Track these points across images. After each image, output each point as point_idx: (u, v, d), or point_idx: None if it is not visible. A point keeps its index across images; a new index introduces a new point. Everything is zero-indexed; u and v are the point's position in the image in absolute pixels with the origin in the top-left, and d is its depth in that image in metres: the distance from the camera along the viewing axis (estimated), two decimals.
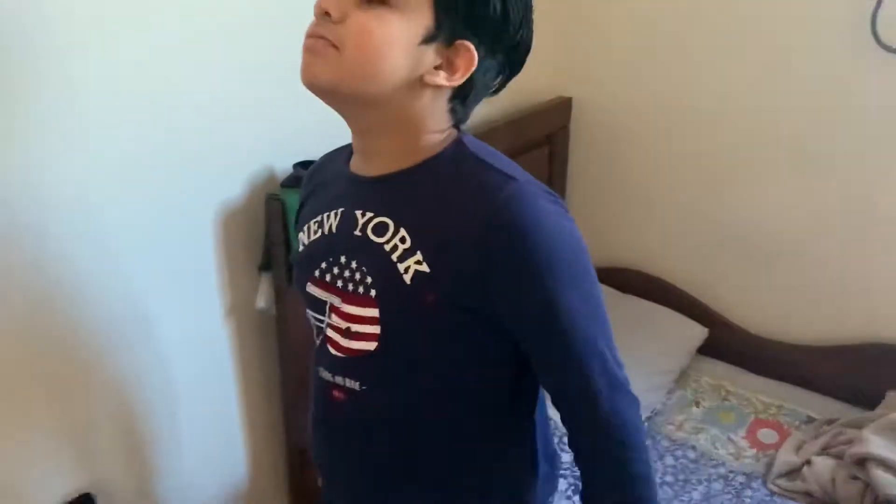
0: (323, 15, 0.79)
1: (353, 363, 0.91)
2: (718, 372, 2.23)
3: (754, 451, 1.93)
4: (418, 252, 0.83)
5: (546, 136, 2.28)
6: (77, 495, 1.35)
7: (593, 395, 0.85)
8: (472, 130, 1.88)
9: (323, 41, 0.79)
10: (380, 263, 0.85)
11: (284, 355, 1.65)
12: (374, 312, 0.86)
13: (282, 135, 1.57)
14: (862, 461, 1.74)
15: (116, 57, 1.24)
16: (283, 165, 1.58)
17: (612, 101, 2.33)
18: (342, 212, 0.91)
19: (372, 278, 0.85)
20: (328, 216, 0.93)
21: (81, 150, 1.23)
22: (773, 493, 1.79)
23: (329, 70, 0.79)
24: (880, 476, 1.68)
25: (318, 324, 0.95)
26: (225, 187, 1.50)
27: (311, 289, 0.93)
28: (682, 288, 2.35)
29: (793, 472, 1.83)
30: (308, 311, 0.96)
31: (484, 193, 0.81)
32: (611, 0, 2.24)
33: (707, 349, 2.27)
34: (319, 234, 0.93)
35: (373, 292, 0.85)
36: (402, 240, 0.84)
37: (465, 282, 0.81)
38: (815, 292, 2.13)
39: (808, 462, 1.82)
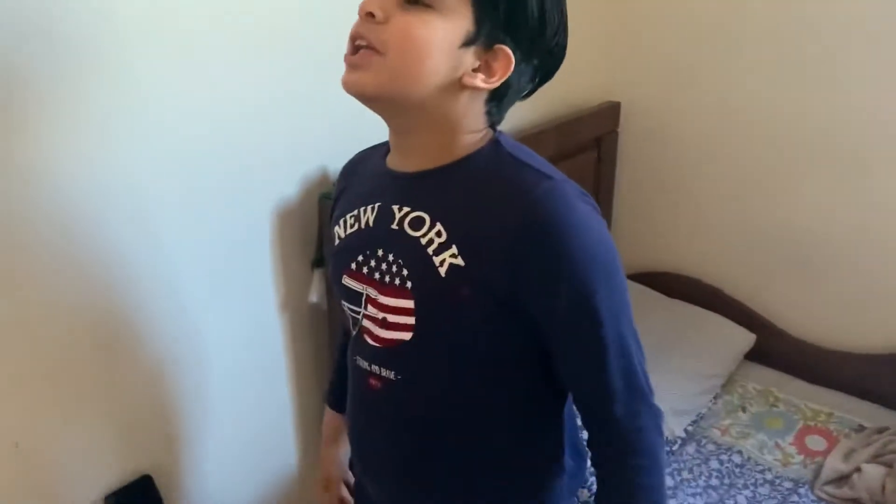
0: (366, 16, 0.82)
1: (388, 353, 0.93)
2: (766, 378, 2.21)
3: (802, 457, 1.91)
4: (454, 246, 0.85)
5: (595, 140, 2.30)
6: (137, 477, 1.42)
7: (610, 395, 0.87)
8: (520, 134, 1.94)
9: (363, 53, 0.83)
10: (416, 256, 0.88)
11: (335, 347, 1.70)
12: (409, 304, 0.88)
13: (334, 135, 1.62)
14: None
15: (179, 55, 1.31)
16: (335, 165, 1.64)
17: (661, 106, 2.34)
18: (379, 206, 0.94)
19: (408, 270, 0.88)
20: (364, 210, 0.96)
21: (144, 146, 1.29)
22: (820, 500, 1.77)
23: (373, 78, 0.83)
24: None
25: (353, 315, 0.98)
26: (280, 187, 1.56)
27: (347, 280, 0.96)
28: (730, 294, 2.34)
29: (841, 480, 1.81)
30: (343, 302, 0.99)
31: (520, 190, 0.84)
32: (659, 4, 2.25)
33: (755, 355, 2.25)
34: (356, 227, 0.97)
35: (409, 284, 0.88)
36: (438, 234, 0.87)
37: (498, 275, 0.84)
38: (865, 300, 2.10)
39: (858, 469, 1.79)
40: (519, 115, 2.03)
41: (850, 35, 1.95)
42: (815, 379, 2.18)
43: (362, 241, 0.95)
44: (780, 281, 2.25)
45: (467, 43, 0.83)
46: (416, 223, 0.89)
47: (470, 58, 0.84)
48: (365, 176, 1.03)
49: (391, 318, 0.91)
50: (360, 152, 1.12)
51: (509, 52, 0.85)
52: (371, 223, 0.95)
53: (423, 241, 0.87)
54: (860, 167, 2.02)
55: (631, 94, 2.36)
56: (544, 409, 0.99)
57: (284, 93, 1.51)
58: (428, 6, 0.81)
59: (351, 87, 0.85)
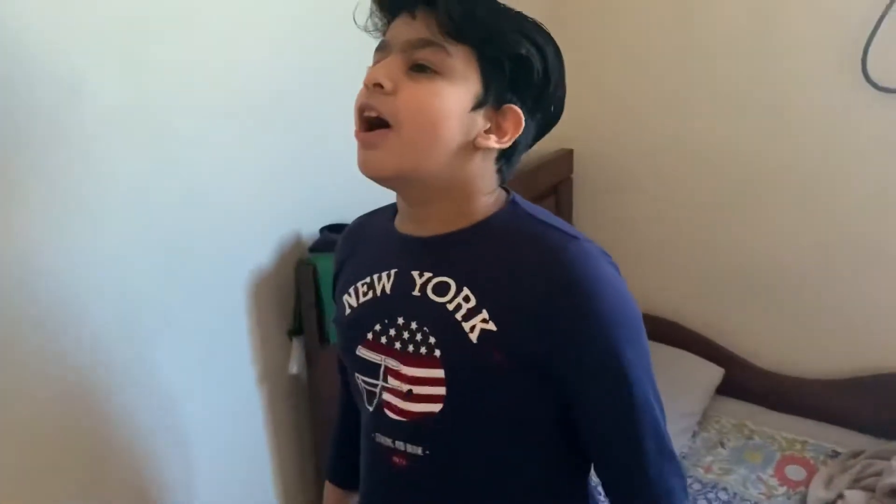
0: (374, 86, 0.80)
1: (415, 427, 0.88)
2: (738, 411, 2.24)
3: (785, 488, 1.93)
4: (484, 311, 0.82)
5: (552, 187, 2.33)
6: None
7: (642, 456, 0.85)
8: None
9: (377, 133, 0.81)
10: (443, 323, 0.84)
11: (317, 419, 1.64)
12: (438, 373, 0.84)
13: (306, 200, 1.59)
14: (894, 492, 1.75)
15: (148, 126, 1.26)
16: (309, 230, 1.60)
17: (612, 150, 2.39)
18: (395, 273, 0.90)
19: (435, 338, 0.84)
20: (379, 277, 0.92)
21: (115, 220, 1.23)
22: None
23: (390, 158, 0.81)
24: None
25: (369, 388, 0.92)
26: (254, 254, 1.51)
27: (363, 352, 0.91)
28: (695, 329, 2.38)
29: None
30: (357, 375, 0.94)
31: (548, 252, 0.82)
32: (606, 49, 2.32)
33: (724, 389, 2.28)
34: (370, 295, 0.92)
35: (437, 352, 0.84)
36: (466, 299, 0.84)
37: (531, 338, 0.81)
38: (825, 326, 2.16)
39: (841, 496, 1.82)
40: None
41: (791, 73, 2.04)
42: (784, 408, 2.22)
43: (379, 309, 0.90)
44: (742, 313, 2.30)
45: (477, 106, 0.83)
46: (441, 289, 0.86)
47: (481, 120, 0.83)
48: (373, 241, 0.98)
49: (418, 389, 0.86)
50: (360, 217, 1.08)
51: (518, 110, 0.84)
52: (388, 290, 0.90)
53: (450, 306, 0.84)
54: (811, 198, 2.10)
55: (583, 140, 2.40)
56: (571, 473, 0.96)
57: (254, 159, 1.47)
58: (436, 73, 0.80)
59: (369, 170, 0.83)
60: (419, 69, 0.81)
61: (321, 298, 1.51)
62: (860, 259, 2.06)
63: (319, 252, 1.54)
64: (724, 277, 2.30)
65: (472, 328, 0.83)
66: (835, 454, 2.03)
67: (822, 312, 2.15)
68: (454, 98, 0.81)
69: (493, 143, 0.84)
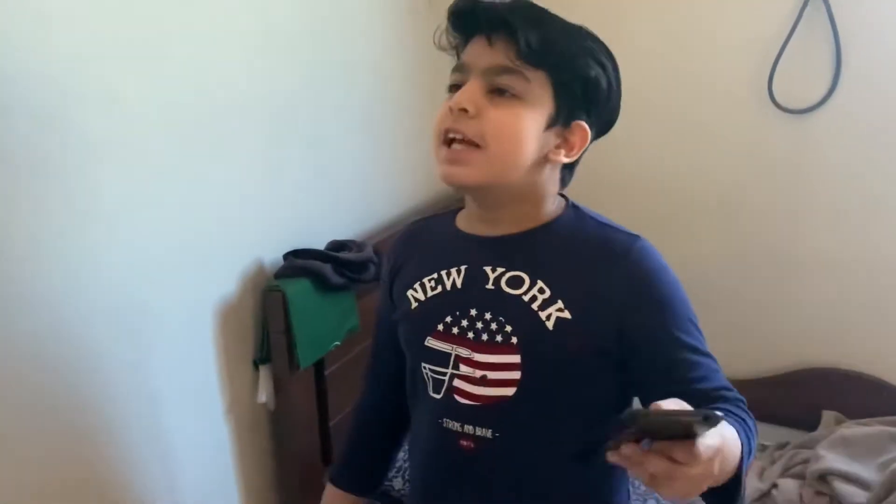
0: (460, 111, 0.87)
1: (486, 411, 0.95)
2: None
3: None
4: (559, 301, 0.91)
5: None
6: None
7: (689, 354, 0.89)
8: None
9: (462, 149, 0.88)
10: (520, 312, 0.92)
11: (285, 443, 1.62)
12: (514, 359, 0.92)
13: (267, 227, 1.58)
14: (823, 477, 1.90)
15: (110, 154, 1.24)
16: (271, 257, 1.59)
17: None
18: (465, 269, 0.97)
19: (512, 326, 0.92)
20: (448, 273, 0.99)
21: (65, 258, 1.19)
22: None
23: (476, 171, 0.89)
24: (843, 488, 1.84)
25: (437, 376, 0.98)
26: (217, 284, 1.49)
27: (433, 342, 0.98)
28: None
29: (763, 498, 1.96)
30: (424, 364, 0.99)
31: (617, 250, 0.92)
32: None
33: None
34: (440, 289, 0.99)
35: (514, 339, 0.92)
36: (541, 290, 0.92)
37: (604, 326, 0.90)
38: (749, 330, 2.31)
39: (775, 486, 1.97)
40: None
41: (704, 95, 2.21)
42: None
43: (449, 302, 0.97)
44: None
45: (550, 125, 0.91)
46: (515, 282, 0.93)
47: (552, 137, 0.92)
48: (434, 243, 1.05)
49: (492, 374, 0.93)
50: (416, 222, 1.13)
51: (585, 126, 0.93)
52: (459, 285, 0.97)
53: (526, 297, 0.92)
54: (730, 213, 2.26)
55: None
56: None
57: (214, 187, 1.45)
58: (514, 96, 0.88)
59: (454, 180, 0.90)
60: (499, 93, 0.88)
61: (291, 324, 1.50)
62: (776, 267, 2.23)
63: (287, 277, 1.53)
64: None
65: (549, 317, 0.91)
66: (763, 448, 2.18)
67: (744, 317, 2.30)
68: (532, 120, 0.89)
69: (563, 157, 0.94)
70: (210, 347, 1.47)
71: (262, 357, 1.55)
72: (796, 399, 2.25)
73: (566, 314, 0.90)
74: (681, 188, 2.30)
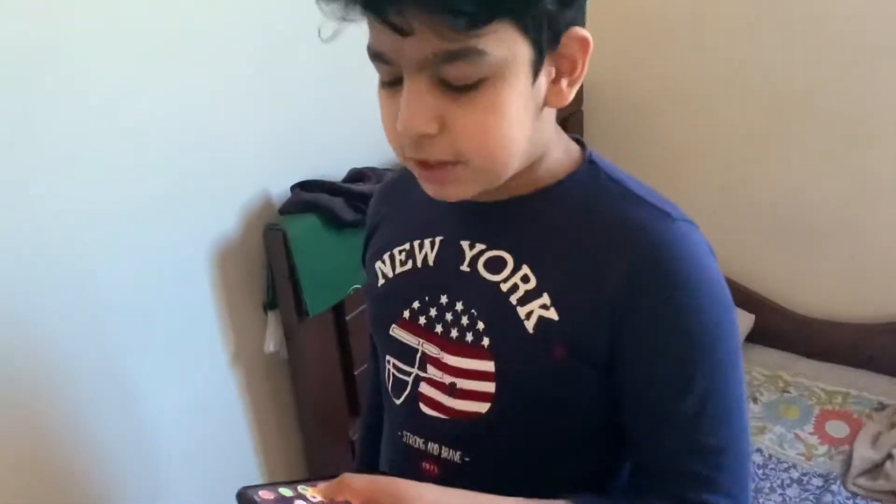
0: (419, 138, 0.62)
1: (455, 428, 0.74)
2: (772, 361, 2.05)
3: (826, 447, 1.75)
4: (545, 294, 0.69)
5: (561, 122, 2.10)
6: None
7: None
8: None
9: (442, 171, 0.64)
10: (494, 306, 0.70)
11: (301, 399, 1.47)
12: (488, 366, 0.71)
13: (275, 154, 1.39)
14: None
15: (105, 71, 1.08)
16: (278, 189, 1.40)
17: (627, 78, 2.15)
18: (441, 241, 0.76)
19: (484, 324, 0.71)
20: (420, 245, 0.78)
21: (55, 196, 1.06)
22: (855, 496, 1.62)
23: (468, 186, 0.67)
24: None
25: (401, 375, 0.78)
26: (217, 219, 1.32)
27: (398, 332, 0.78)
28: (722, 273, 2.17)
29: (875, 469, 1.66)
30: (389, 357, 0.80)
31: (633, 230, 0.68)
32: None
33: (755, 337, 2.10)
34: (409, 265, 0.78)
35: (485, 341, 0.71)
36: (525, 279, 0.70)
37: (598, 333, 0.67)
38: (866, 267, 1.97)
39: (890, 456, 1.65)
40: None
41: None
42: (822, 356, 2.04)
43: (419, 283, 0.77)
44: (774, 254, 2.10)
45: (536, 70, 0.63)
46: (495, 264, 0.72)
47: (544, 78, 0.64)
48: (413, 200, 0.79)
49: (462, 383, 0.72)
50: (400, 170, 0.87)
51: (580, 30, 0.64)
52: (431, 262, 0.76)
53: (505, 286, 0.70)
54: (848, 133, 1.88)
55: (594, 68, 2.14)
56: (602, 481, 0.79)
57: (215, 109, 1.27)
58: (482, 79, 0.60)
59: (445, 199, 0.69)
60: (461, 89, 0.60)
61: (296, 267, 1.32)
62: None
63: (291, 214, 1.34)
64: (752, 214, 2.09)
65: (529, 314, 0.69)
66: (881, 407, 1.85)
67: (860, 251, 1.95)
68: (511, 94, 0.62)
69: (566, 86, 0.66)
70: (208, 291, 1.32)
71: (270, 302, 1.38)
72: None
73: (551, 313, 0.68)
74: (786, 99, 1.93)
